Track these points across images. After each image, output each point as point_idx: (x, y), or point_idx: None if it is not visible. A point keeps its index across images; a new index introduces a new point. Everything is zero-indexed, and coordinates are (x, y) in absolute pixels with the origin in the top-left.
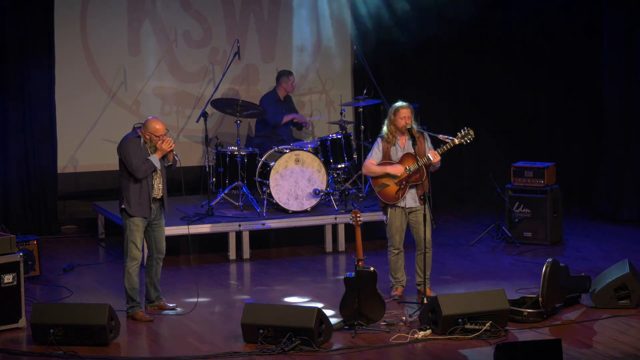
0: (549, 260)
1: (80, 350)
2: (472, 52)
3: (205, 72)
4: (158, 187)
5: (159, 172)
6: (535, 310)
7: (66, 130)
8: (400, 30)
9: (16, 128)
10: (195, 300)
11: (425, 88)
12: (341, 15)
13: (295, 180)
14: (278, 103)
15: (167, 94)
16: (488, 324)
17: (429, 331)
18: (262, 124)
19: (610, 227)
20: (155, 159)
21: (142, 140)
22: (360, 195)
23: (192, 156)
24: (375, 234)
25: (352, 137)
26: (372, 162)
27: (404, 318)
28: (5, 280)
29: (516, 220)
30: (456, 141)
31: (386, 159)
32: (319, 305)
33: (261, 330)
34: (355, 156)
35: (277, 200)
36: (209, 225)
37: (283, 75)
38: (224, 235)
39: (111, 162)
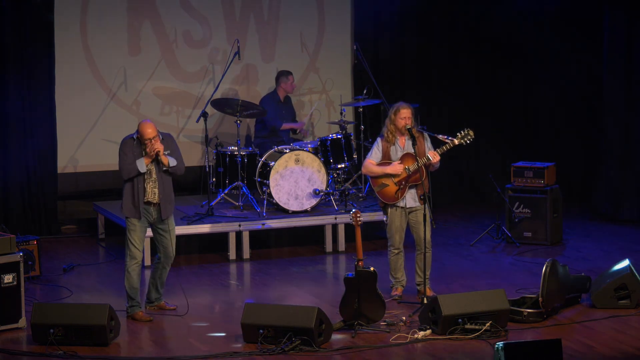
0: (549, 260)
1: (80, 350)
2: (472, 52)
3: (205, 72)
4: (152, 191)
5: (153, 176)
6: (535, 310)
7: (66, 130)
8: (400, 30)
9: (16, 128)
10: (185, 301)
11: (425, 88)
12: (341, 15)
13: (295, 180)
14: (278, 105)
15: (167, 94)
16: (488, 324)
17: (429, 331)
18: (261, 125)
19: (610, 227)
20: (141, 162)
21: (135, 142)
22: (360, 195)
23: (192, 156)
24: (375, 234)
25: (352, 137)
26: (372, 162)
27: (404, 318)
28: (5, 280)
29: (516, 220)
30: (456, 142)
31: (386, 159)
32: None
33: (261, 330)
34: (355, 156)
35: (277, 200)
36: (209, 225)
37: (282, 75)
38: (224, 235)
39: (111, 162)
